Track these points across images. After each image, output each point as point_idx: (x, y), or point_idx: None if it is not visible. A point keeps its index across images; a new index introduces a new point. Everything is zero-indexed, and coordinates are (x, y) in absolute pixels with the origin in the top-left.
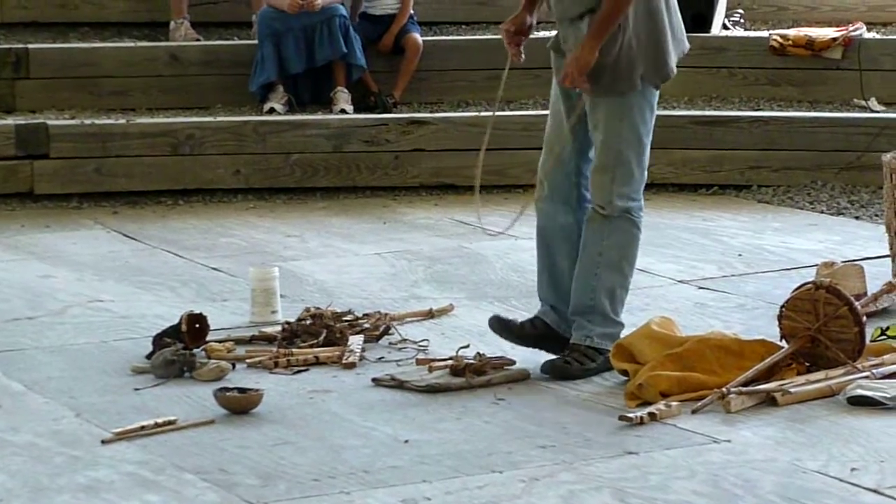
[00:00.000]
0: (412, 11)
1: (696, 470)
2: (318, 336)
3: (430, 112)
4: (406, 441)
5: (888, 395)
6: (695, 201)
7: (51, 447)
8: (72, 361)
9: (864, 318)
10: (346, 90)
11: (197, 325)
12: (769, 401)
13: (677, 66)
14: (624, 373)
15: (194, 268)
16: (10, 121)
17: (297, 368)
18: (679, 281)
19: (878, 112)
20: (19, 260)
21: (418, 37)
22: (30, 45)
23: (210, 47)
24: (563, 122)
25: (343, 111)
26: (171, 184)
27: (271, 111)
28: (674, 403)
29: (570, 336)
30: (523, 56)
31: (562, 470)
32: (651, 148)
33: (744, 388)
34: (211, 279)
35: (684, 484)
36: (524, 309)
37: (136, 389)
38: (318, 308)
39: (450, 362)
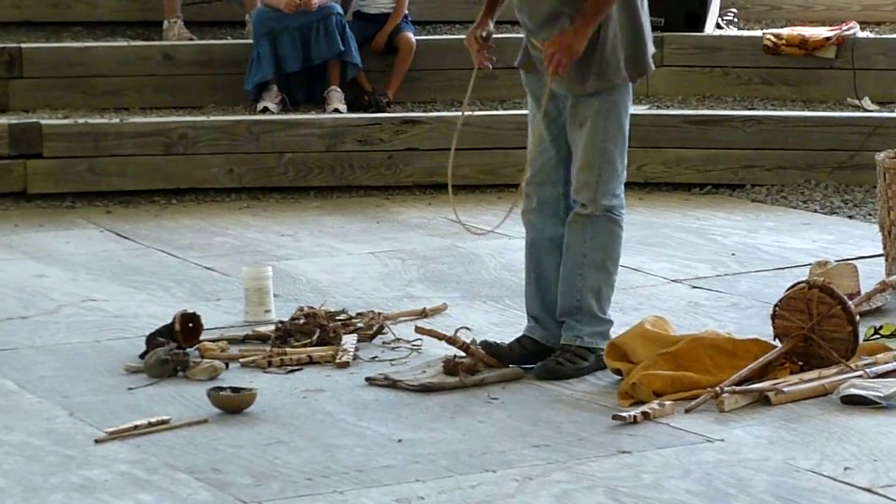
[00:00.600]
0: (406, 11)
1: (690, 469)
2: (312, 335)
3: (424, 111)
4: (399, 440)
5: (881, 394)
6: (688, 200)
7: (44, 446)
8: (65, 361)
9: (858, 318)
10: (339, 89)
11: (190, 325)
12: (762, 400)
13: (673, 66)
14: (617, 372)
15: (188, 267)
16: (4, 120)
17: (290, 368)
18: (672, 280)
19: (871, 111)
20: (12, 259)
21: (412, 36)
22: (23, 45)
23: (203, 47)
24: (544, 135)
25: (336, 110)
26: (164, 183)
27: (265, 110)
28: (667, 402)
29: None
30: (491, 62)
31: (555, 469)
32: (644, 147)
33: (737, 388)
34: (204, 278)
35: (678, 483)
36: (518, 308)
37: (130, 389)
38: (312, 307)
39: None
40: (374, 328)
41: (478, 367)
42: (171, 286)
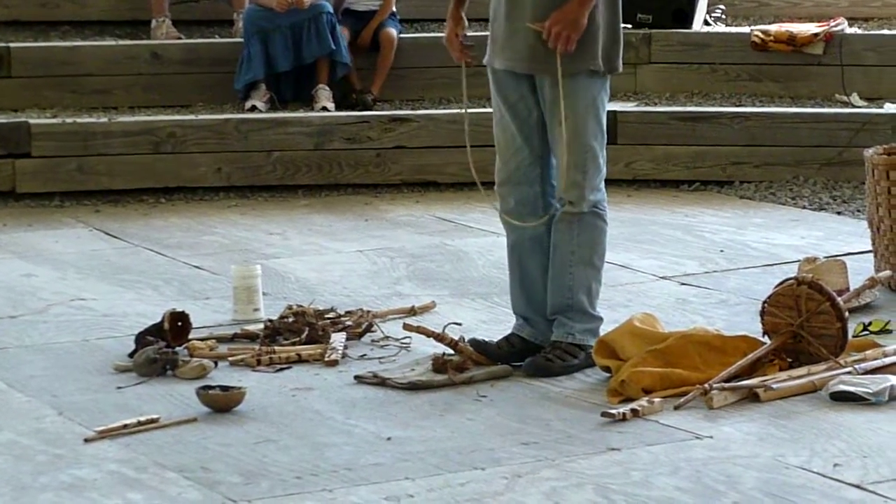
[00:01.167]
0: (394, 9)
1: (679, 466)
2: (301, 334)
3: (412, 109)
4: (389, 438)
5: (871, 391)
6: (676, 197)
7: (33, 446)
8: (54, 360)
9: (847, 314)
10: (327, 87)
11: (179, 324)
12: (751, 397)
13: (661, 62)
14: (606, 369)
15: (176, 266)
16: None
17: (279, 366)
18: (661, 277)
19: (859, 107)
20: (1, 259)
21: (393, 31)
22: (11, 44)
23: (191, 45)
24: (516, 135)
25: (325, 109)
26: (153, 182)
27: (253, 109)
28: (656, 400)
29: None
30: (473, 59)
31: (544, 466)
32: (632, 144)
33: (726, 384)
34: (193, 277)
35: (667, 480)
36: (506, 306)
37: (119, 388)
38: (301, 306)
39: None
40: (363, 326)
41: (467, 364)
42: (160, 285)
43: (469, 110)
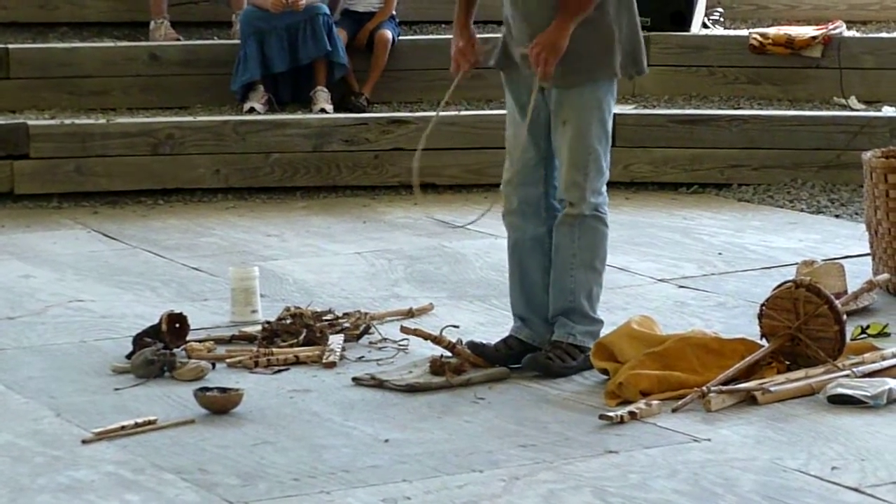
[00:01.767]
0: (393, 11)
1: (677, 469)
2: (299, 335)
3: (410, 111)
4: (386, 440)
5: (869, 394)
6: (675, 200)
7: (31, 447)
8: (52, 361)
9: (845, 317)
10: (325, 89)
11: (177, 325)
12: (749, 399)
13: (659, 65)
14: (604, 372)
15: (174, 267)
16: None
17: (277, 368)
18: (659, 280)
19: (857, 110)
20: None
21: (389, 33)
22: (9, 45)
23: (190, 47)
24: (524, 134)
25: (323, 110)
26: (151, 183)
27: (251, 110)
28: (654, 402)
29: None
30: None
31: (542, 469)
32: (630, 146)
33: (724, 387)
34: (191, 279)
35: (664, 483)
36: (504, 308)
37: (117, 389)
38: (298, 307)
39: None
40: (361, 328)
41: (464, 367)
42: (158, 286)
43: (467, 112)
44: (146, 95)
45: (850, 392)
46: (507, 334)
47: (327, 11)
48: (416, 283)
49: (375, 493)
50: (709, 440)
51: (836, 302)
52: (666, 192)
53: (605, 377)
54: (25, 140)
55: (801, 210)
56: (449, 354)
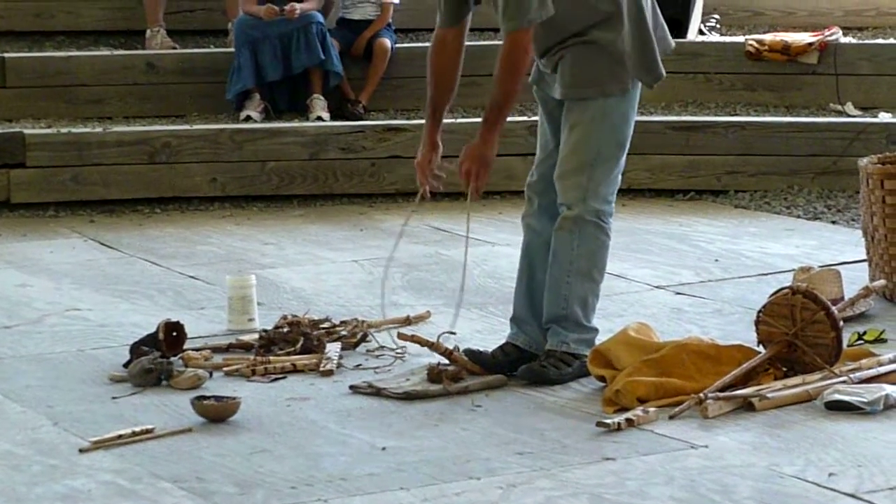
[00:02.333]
0: (390, 20)
1: (674, 475)
2: (296, 344)
3: (407, 119)
4: (383, 448)
5: (865, 400)
6: (671, 207)
7: (28, 456)
8: (49, 370)
9: (841, 323)
10: (322, 97)
11: (174, 334)
12: (746, 406)
13: None
14: (601, 379)
15: (171, 276)
16: None
17: (274, 376)
18: (656, 286)
19: (854, 116)
20: None
21: (388, 41)
22: (6, 54)
23: (186, 55)
24: (549, 142)
25: (319, 118)
26: (147, 192)
27: (247, 119)
28: (651, 409)
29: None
30: (435, 188)
31: (539, 476)
32: (628, 153)
33: (721, 394)
34: (188, 287)
35: (662, 489)
36: (501, 315)
37: (114, 398)
38: (296, 316)
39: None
40: (358, 336)
41: (462, 374)
42: (155, 295)
43: (464, 119)
44: (143, 104)
45: (847, 398)
46: (503, 341)
47: (321, 20)
48: (414, 291)
49: (373, 501)
50: (706, 447)
51: (833, 308)
52: (663, 198)
53: (602, 384)
54: (22, 149)
55: (798, 216)
56: (446, 362)
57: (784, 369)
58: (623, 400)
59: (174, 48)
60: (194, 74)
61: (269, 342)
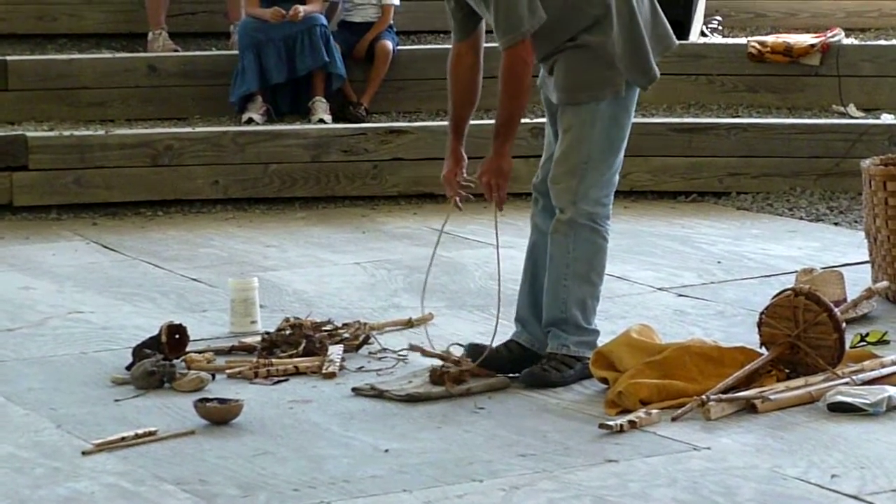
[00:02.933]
0: (391, 22)
1: (677, 477)
2: (298, 346)
3: (409, 121)
4: (386, 450)
5: (868, 402)
6: (674, 208)
7: (31, 459)
8: (52, 373)
9: (844, 325)
10: (324, 100)
11: (177, 336)
12: (749, 408)
13: (660, 74)
14: (603, 381)
15: (174, 278)
16: None
17: (276, 379)
18: (658, 288)
19: (856, 118)
20: None
21: (389, 44)
22: (8, 57)
23: (188, 58)
24: (553, 144)
25: (321, 121)
26: (150, 195)
27: (250, 121)
28: (654, 411)
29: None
30: (465, 199)
31: (542, 478)
32: (629, 155)
33: (724, 396)
34: (190, 290)
35: (664, 491)
36: (504, 317)
37: (117, 400)
38: (298, 318)
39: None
40: (361, 338)
41: (464, 376)
42: (158, 297)
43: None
44: (145, 107)
45: (849, 400)
46: (507, 339)
47: (325, 23)
48: (416, 293)
49: (375, 503)
50: (708, 449)
51: (836, 310)
52: (665, 200)
53: (605, 386)
54: (24, 152)
55: (801, 218)
56: (448, 364)
57: (787, 371)
58: (625, 402)
59: (176, 51)
60: (196, 77)
61: (272, 344)
